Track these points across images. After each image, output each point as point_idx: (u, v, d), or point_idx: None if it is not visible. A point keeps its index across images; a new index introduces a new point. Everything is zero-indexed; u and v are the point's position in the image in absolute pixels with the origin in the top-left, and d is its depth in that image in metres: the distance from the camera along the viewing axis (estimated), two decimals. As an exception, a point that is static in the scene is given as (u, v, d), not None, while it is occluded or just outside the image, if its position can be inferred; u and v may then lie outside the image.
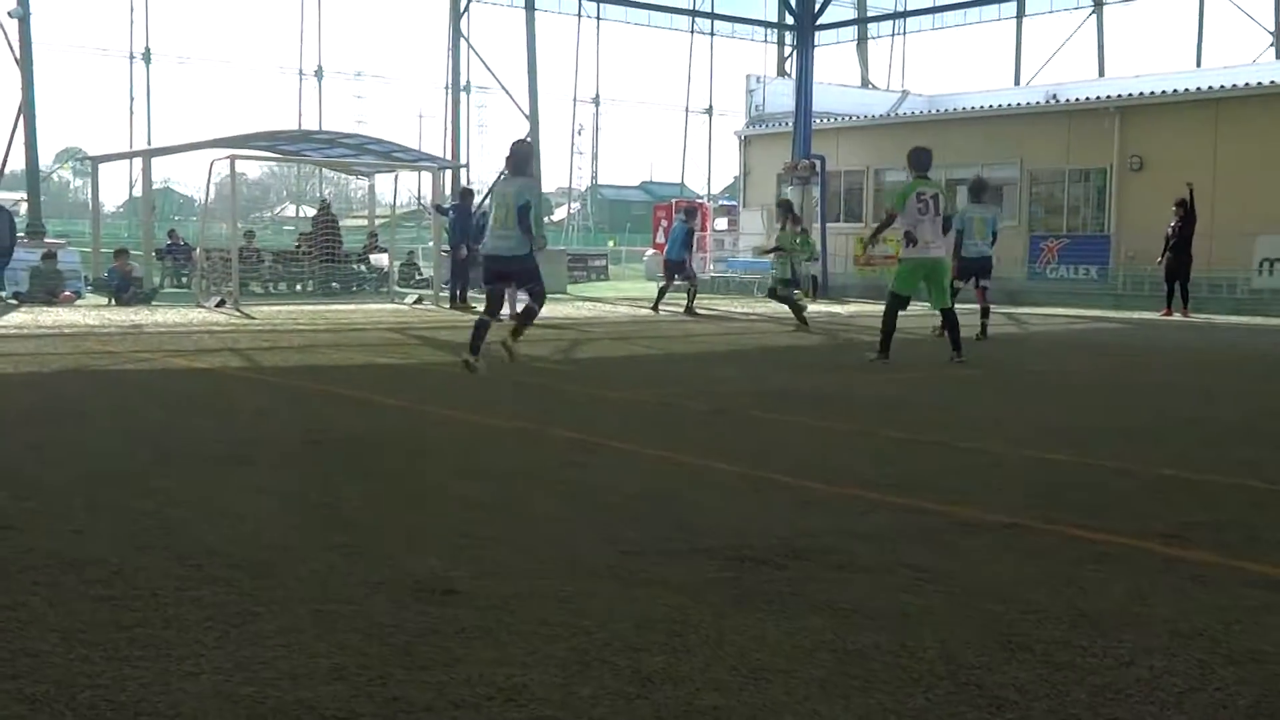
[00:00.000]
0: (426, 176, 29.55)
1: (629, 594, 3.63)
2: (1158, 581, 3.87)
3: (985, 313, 14.48)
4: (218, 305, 20.24)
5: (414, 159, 26.75)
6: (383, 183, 30.39)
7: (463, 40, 35.24)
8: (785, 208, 18.49)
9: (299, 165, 44.17)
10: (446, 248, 22.10)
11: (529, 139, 15.99)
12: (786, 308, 16.58)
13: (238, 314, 18.72)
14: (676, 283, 21.31)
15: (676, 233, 21.57)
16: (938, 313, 11.41)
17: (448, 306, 20.52)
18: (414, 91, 76.24)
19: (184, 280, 26.41)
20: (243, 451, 6.11)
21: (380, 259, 26.59)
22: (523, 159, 10.73)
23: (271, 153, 27.48)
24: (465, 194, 22.20)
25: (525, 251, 10.27)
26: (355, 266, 27.00)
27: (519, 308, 11.86)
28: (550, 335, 15.26)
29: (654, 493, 5.19)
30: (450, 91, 35.57)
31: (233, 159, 22.07)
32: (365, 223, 34.53)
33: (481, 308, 11.25)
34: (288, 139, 25.96)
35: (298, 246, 26.82)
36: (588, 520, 4.64)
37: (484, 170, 55.99)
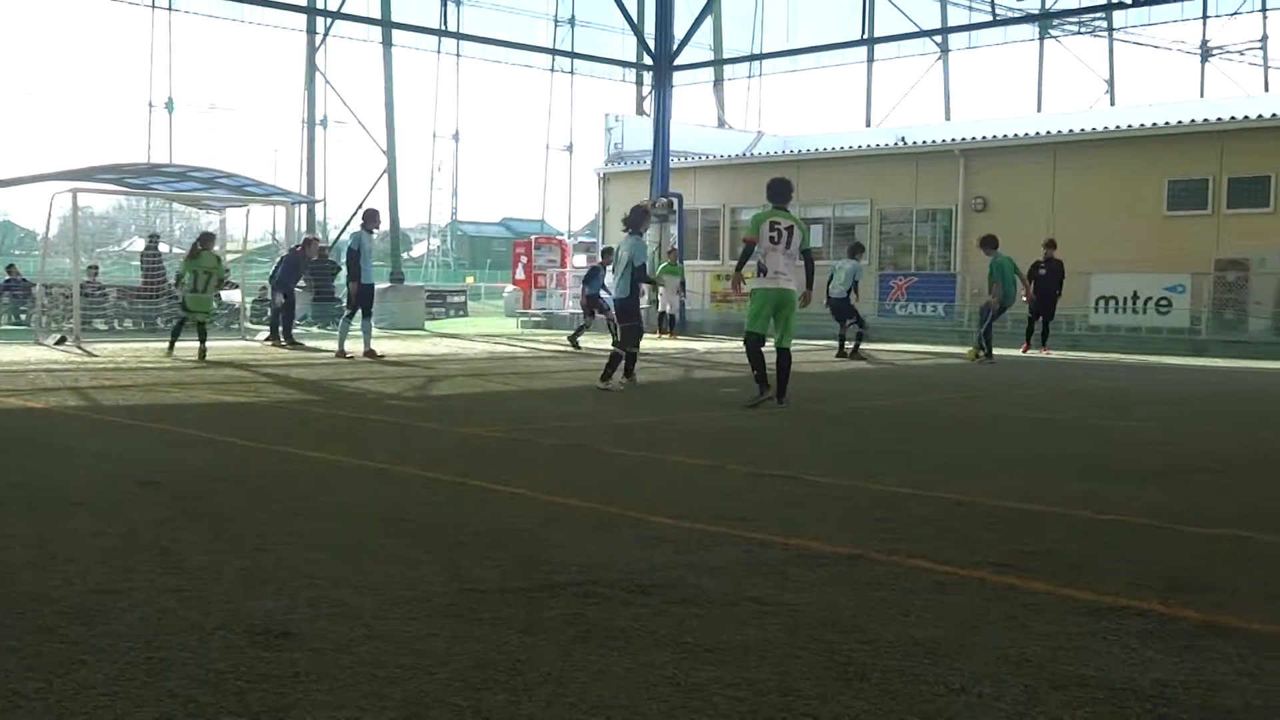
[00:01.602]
0: (281, 211, 29.04)
1: (472, 633, 3.60)
2: (990, 610, 3.99)
3: (840, 339, 19.01)
4: (58, 343, 19.55)
5: (267, 194, 26.29)
6: (235, 218, 29.75)
7: (319, 74, 34.80)
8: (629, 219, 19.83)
9: (148, 199, 43.02)
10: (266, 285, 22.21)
11: (651, 198, 17.02)
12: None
13: (79, 351, 18.10)
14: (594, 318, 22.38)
15: (597, 272, 22.79)
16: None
17: (281, 344, 20.19)
18: (269, 125, 75.13)
19: (23, 317, 25.46)
20: (76, 494, 5.89)
21: (231, 295, 26.00)
22: (635, 218, 12.92)
23: (117, 186, 26.71)
24: (307, 243, 22.46)
25: (627, 295, 12.64)
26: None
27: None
28: (405, 372, 15.10)
29: (502, 530, 5.16)
30: (306, 126, 35.08)
31: (74, 192, 21.39)
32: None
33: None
34: (134, 172, 25.27)
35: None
36: (434, 559, 4.59)
37: (341, 207, 55.29)
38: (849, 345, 19.10)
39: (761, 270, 10.71)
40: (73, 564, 4.40)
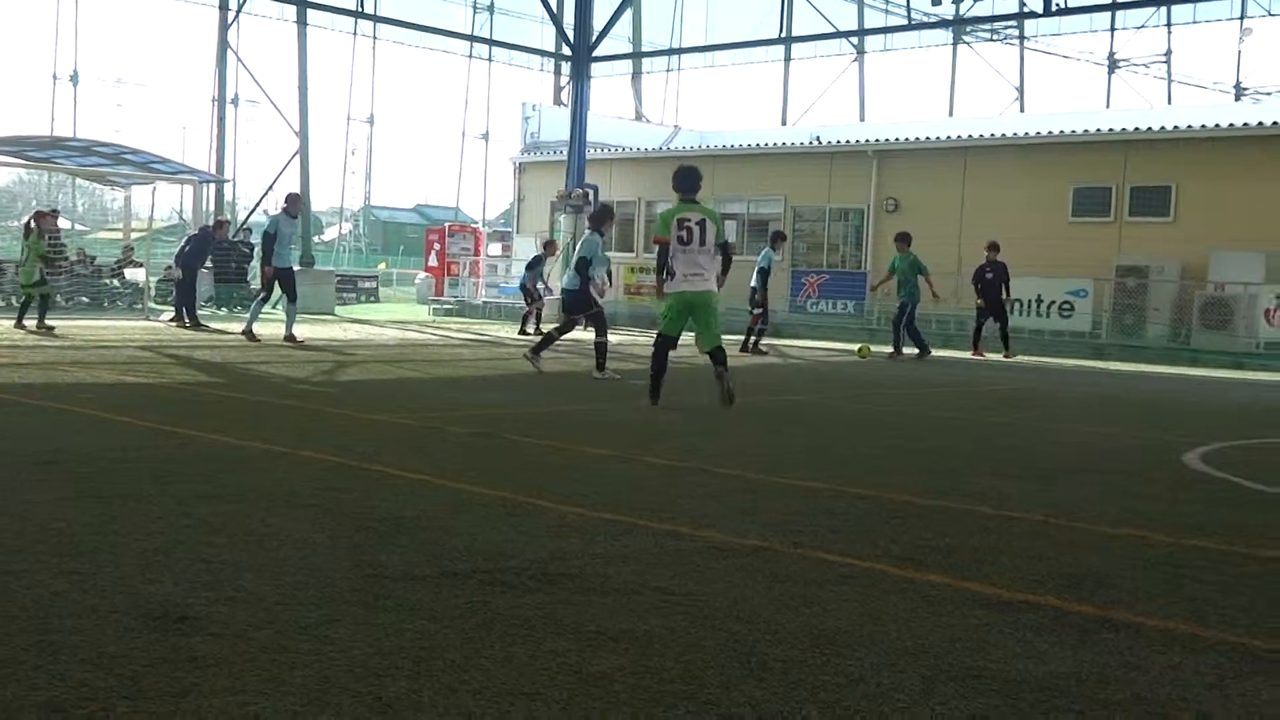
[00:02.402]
0: (189, 190, 28.48)
1: (375, 619, 3.57)
2: (891, 602, 4.05)
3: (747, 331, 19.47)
4: (-49, 318, 18.98)
5: (174, 171, 25.80)
6: (140, 195, 29.10)
7: (231, 52, 34.16)
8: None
9: (50, 174, 41.93)
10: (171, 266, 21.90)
11: (555, 194, 17.61)
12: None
13: (-26, 328, 17.60)
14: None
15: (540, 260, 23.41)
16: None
17: (185, 325, 19.86)
18: (179, 102, 73.62)
19: (-86, 292, 24.68)
20: (-32, 473, 5.73)
21: (135, 274, 25.48)
22: (598, 217, 13.70)
23: (17, 159, 26.01)
24: (219, 224, 22.24)
25: (577, 287, 13.11)
26: (109, 282, 25.79)
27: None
28: (313, 357, 14.91)
29: (409, 516, 5.12)
30: (217, 104, 34.40)
31: (-27, 164, 20.78)
32: (120, 236, 33.00)
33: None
34: (36, 145, 24.65)
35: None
36: (338, 544, 4.54)
37: (250, 186, 54.41)
38: (751, 340, 19.55)
39: (670, 273, 9.92)
40: (-38, 544, 4.28)
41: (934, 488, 6.51)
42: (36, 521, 4.71)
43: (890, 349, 19.75)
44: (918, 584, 4.31)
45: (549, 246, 24.42)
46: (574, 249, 26.73)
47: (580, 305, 13.34)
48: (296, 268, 18.35)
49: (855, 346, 20.88)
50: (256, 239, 25.76)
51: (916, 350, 19.29)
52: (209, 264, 20.74)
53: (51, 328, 17.40)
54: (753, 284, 19.42)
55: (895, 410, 11.49)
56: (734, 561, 4.56)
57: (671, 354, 10.32)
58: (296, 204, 17.99)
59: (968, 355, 20.42)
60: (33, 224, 18.69)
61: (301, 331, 19.13)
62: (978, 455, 8.23)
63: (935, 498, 6.17)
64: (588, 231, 13.63)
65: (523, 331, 22.06)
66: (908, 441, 8.96)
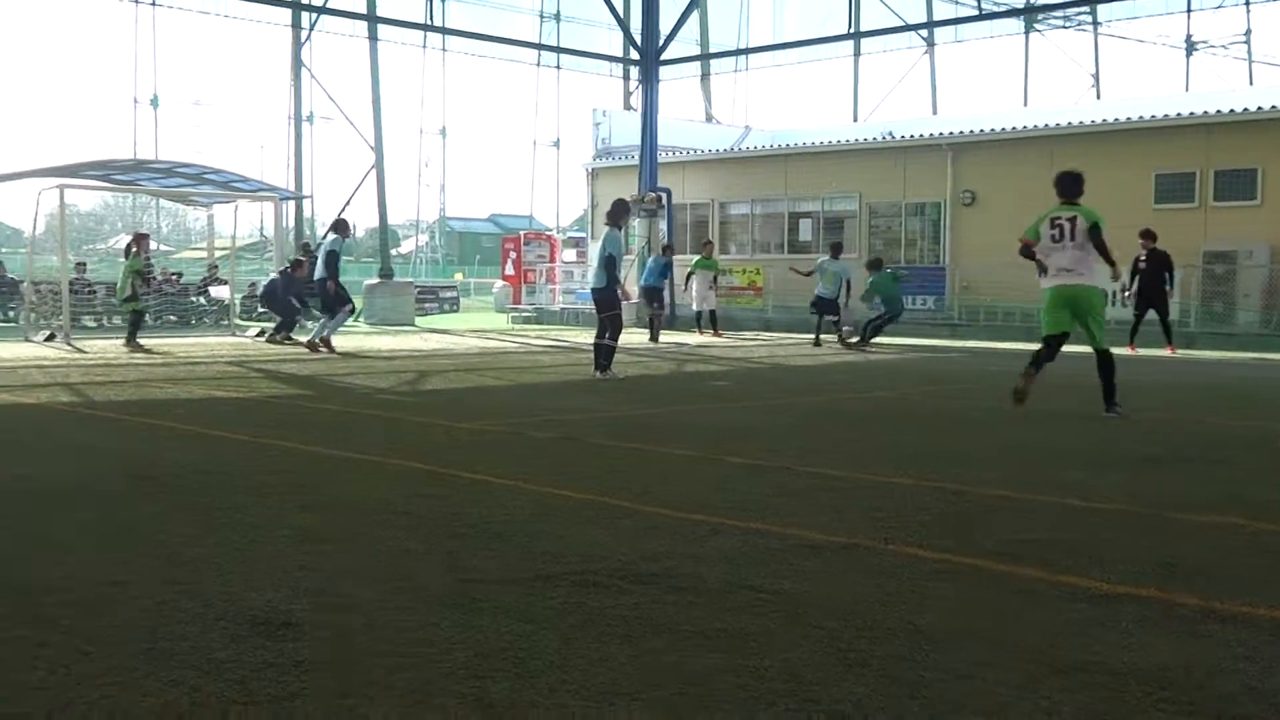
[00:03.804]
0: (269, 207, 28.97)
1: (473, 622, 3.61)
2: (988, 597, 4.01)
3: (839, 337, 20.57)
4: (47, 339, 19.49)
5: (255, 189, 26.23)
6: (223, 214, 29.65)
7: (305, 70, 34.71)
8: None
9: (134, 196, 42.85)
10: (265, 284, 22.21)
11: (627, 197, 17.78)
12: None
13: (68, 348, 18.05)
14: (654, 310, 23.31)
15: (654, 265, 23.97)
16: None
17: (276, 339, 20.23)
18: (255, 121, 74.83)
19: (11, 314, 25.38)
20: (72, 487, 5.89)
21: (220, 291, 25.97)
22: (615, 212, 13.44)
23: (104, 183, 26.63)
24: (297, 265, 22.41)
25: (604, 284, 13.20)
26: (195, 299, 26.32)
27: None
28: (396, 367, 15.09)
29: (499, 521, 5.16)
30: (293, 122, 34.96)
31: (61, 188, 21.31)
32: (204, 255, 33.65)
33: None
34: (121, 169, 25.19)
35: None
36: (432, 550, 4.60)
37: (328, 203, 55.20)
38: (851, 339, 20.46)
39: (1041, 270, 10.25)
40: (72, 556, 4.40)
41: (1023, 481, 6.43)
42: (140, 534, 4.82)
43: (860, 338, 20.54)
44: (1014, 578, 4.26)
45: (667, 250, 25.14)
46: (647, 252, 26.83)
47: (607, 303, 13.28)
48: (373, 281, 19.13)
49: (940, 342, 20.82)
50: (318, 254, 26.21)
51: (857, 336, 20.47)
52: (301, 304, 21.17)
53: (142, 346, 17.81)
54: (828, 294, 20.65)
55: (978, 405, 11.36)
56: (825, 559, 4.54)
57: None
58: (344, 227, 19.59)
59: (1126, 351, 19.87)
60: (134, 246, 19.39)
61: (377, 343, 19.47)
62: (1066, 447, 8.10)
63: (1026, 491, 6.10)
64: (607, 229, 13.44)
65: (654, 339, 22.37)
66: (994, 435, 8.86)
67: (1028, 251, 10.29)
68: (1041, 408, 10.95)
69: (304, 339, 19.61)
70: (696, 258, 25.30)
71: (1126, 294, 19.87)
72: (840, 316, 20.77)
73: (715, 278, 25.26)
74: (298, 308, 21.07)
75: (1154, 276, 19.64)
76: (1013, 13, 35.05)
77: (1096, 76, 44.89)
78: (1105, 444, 8.35)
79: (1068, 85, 56.53)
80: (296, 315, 21.02)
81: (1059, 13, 39.13)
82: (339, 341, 18.20)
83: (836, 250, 21.72)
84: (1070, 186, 10.35)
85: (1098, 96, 43.18)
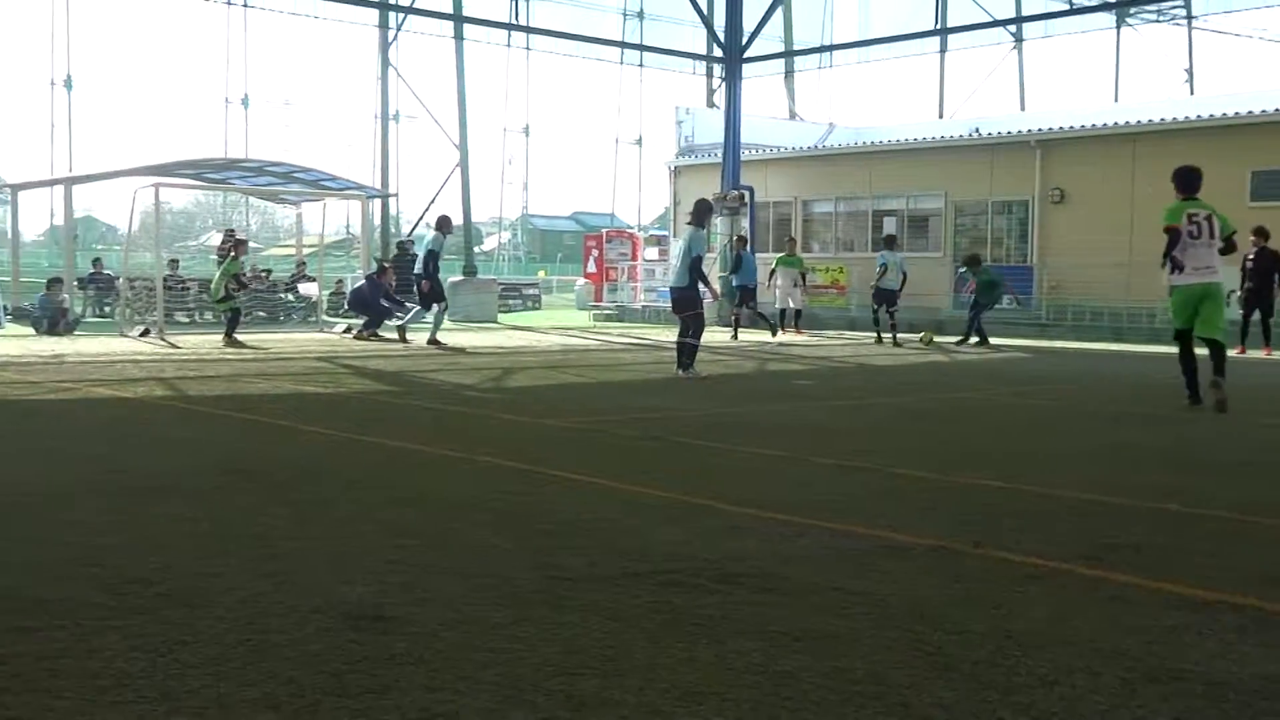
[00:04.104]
0: (356, 205, 29.37)
1: (561, 619, 3.64)
2: (1080, 602, 3.95)
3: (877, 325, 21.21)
4: (142, 335, 19.95)
5: (342, 188, 26.63)
6: (311, 212, 30.11)
7: (391, 69, 35.15)
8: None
9: (225, 194, 43.73)
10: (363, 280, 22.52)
11: (709, 196, 18.22)
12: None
13: (162, 343, 18.47)
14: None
15: (748, 262, 24.07)
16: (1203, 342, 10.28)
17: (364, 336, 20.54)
18: (343, 120, 76.11)
19: (107, 310, 26.03)
20: (168, 480, 6.03)
21: (308, 288, 26.39)
22: (699, 212, 13.38)
23: (197, 181, 27.22)
24: (383, 271, 22.96)
25: (686, 284, 13.16)
26: (283, 296, 26.79)
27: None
28: (481, 364, 15.24)
29: (584, 519, 5.19)
30: (379, 120, 35.43)
31: (157, 187, 21.81)
32: (293, 252, 34.24)
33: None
34: (213, 167, 25.74)
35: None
36: (519, 546, 4.64)
37: (414, 200, 55.85)
38: (896, 335, 20.79)
39: (1176, 266, 10.12)
40: (169, 549, 4.50)
41: (1115, 485, 6.32)
42: (235, 527, 4.93)
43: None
44: (1107, 584, 4.19)
45: (741, 241, 25.15)
46: (729, 251, 26.72)
47: (687, 303, 13.27)
48: (457, 278, 19.56)
49: (1027, 342, 20.64)
50: (418, 250, 26.63)
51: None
52: (392, 303, 21.64)
53: (240, 342, 18.21)
54: (890, 286, 20.98)
55: (1066, 406, 11.18)
56: (912, 562, 4.50)
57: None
58: (448, 224, 19.84)
59: (1234, 353, 19.42)
60: (232, 250, 19.99)
61: (461, 339, 19.74)
62: (1159, 450, 7.95)
63: (1118, 495, 5.99)
64: (691, 228, 13.32)
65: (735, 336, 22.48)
66: (1082, 437, 8.71)
67: (1174, 242, 10.12)
68: (1132, 410, 10.77)
69: (391, 335, 19.93)
70: (779, 255, 25.17)
71: (1237, 294, 19.31)
72: (897, 307, 21.08)
73: (803, 275, 25.06)
74: (387, 307, 21.39)
75: (1263, 276, 19.19)
76: (1104, 6, 34.41)
77: (1190, 71, 43.94)
78: (1199, 447, 8.17)
79: (1160, 80, 55.48)
80: (385, 315, 21.33)
81: (1152, 6, 38.37)
82: (445, 337, 18.96)
83: (890, 242, 22.07)
84: (1196, 182, 10.40)
85: (1191, 92, 42.25)
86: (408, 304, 21.04)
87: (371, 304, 21.23)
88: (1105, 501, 5.84)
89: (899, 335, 20.85)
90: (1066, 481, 6.41)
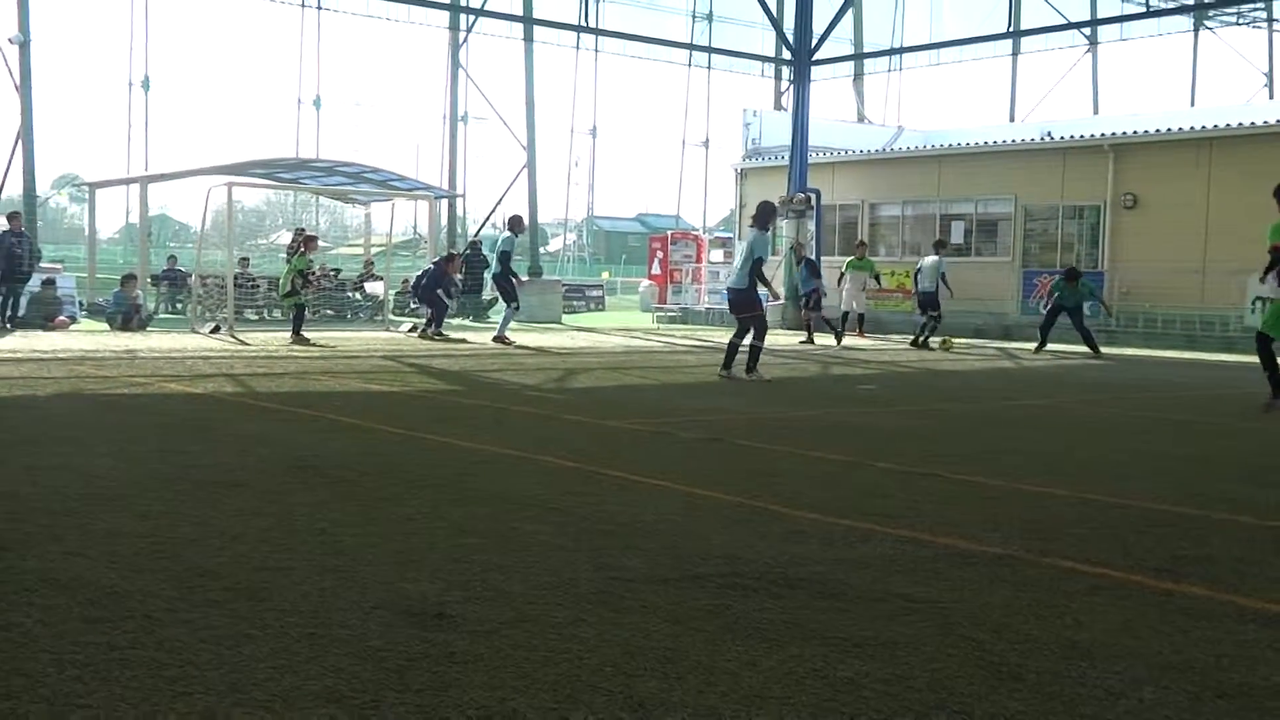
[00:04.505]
0: (424, 206, 29.62)
1: (621, 620, 3.64)
2: (1149, 615, 3.88)
3: (926, 329, 21.24)
4: (212, 331, 20.27)
5: (411, 188, 26.89)
6: (379, 211, 30.43)
7: (461, 71, 35.42)
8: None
9: (296, 193, 44.28)
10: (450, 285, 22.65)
11: (775, 198, 18.41)
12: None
13: (232, 340, 18.75)
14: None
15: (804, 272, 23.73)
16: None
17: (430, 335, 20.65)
18: (412, 121, 76.81)
19: (179, 306, 26.46)
20: (236, 475, 6.12)
21: (375, 287, 26.66)
22: (763, 215, 13.28)
23: (269, 180, 27.60)
24: (450, 259, 23.06)
25: (745, 286, 13.04)
26: (351, 294, 27.08)
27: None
28: (545, 364, 15.30)
29: (646, 520, 5.19)
30: (448, 122, 35.71)
31: (230, 186, 22.15)
32: (361, 251, 34.60)
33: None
34: (285, 167, 26.08)
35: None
36: (580, 547, 4.65)
37: (480, 201, 56.22)
38: (923, 337, 21.19)
39: None
40: (237, 542, 4.57)
41: (1187, 495, 6.21)
42: (301, 522, 4.99)
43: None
44: (1177, 596, 4.11)
45: (799, 250, 25.43)
46: (793, 256, 26.54)
47: (747, 305, 13.23)
48: (524, 278, 19.92)
49: (1056, 347, 20.49)
50: (487, 250, 26.85)
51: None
52: (447, 297, 21.84)
53: (307, 339, 18.43)
54: (927, 289, 21.33)
55: (1138, 415, 11.01)
56: (977, 570, 4.45)
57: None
58: (520, 225, 20.45)
59: None
60: (301, 246, 20.13)
61: (524, 339, 19.86)
62: (1230, 460, 7.80)
63: (1189, 506, 5.89)
64: (754, 230, 13.25)
65: (809, 340, 22.36)
66: (1154, 447, 8.57)
67: (1278, 261, 10.27)
68: (1201, 420, 10.59)
69: (455, 335, 20.10)
70: (849, 258, 24.89)
71: None
72: (937, 311, 21.21)
73: (875, 278, 24.77)
74: (446, 303, 21.55)
75: None
76: (1183, 9, 33.89)
77: (1270, 75, 43.06)
78: (1275, 458, 8.01)
79: (1239, 84, 54.41)
80: (445, 309, 21.50)
81: (1231, 8, 37.65)
82: (510, 336, 19.54)
83: (938, 246, 22.43)
84: None
85: (1270, 96, 41.42)
86: (459, 299, 21.52)
87: (429, 293, 21.31)
88: (1177, 512, 5.74)
89: (927, 339, 21.11)
90: (1137, 491, 6.31)
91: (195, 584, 3.93)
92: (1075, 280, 20.79)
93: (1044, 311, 21.37)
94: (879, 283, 25.05)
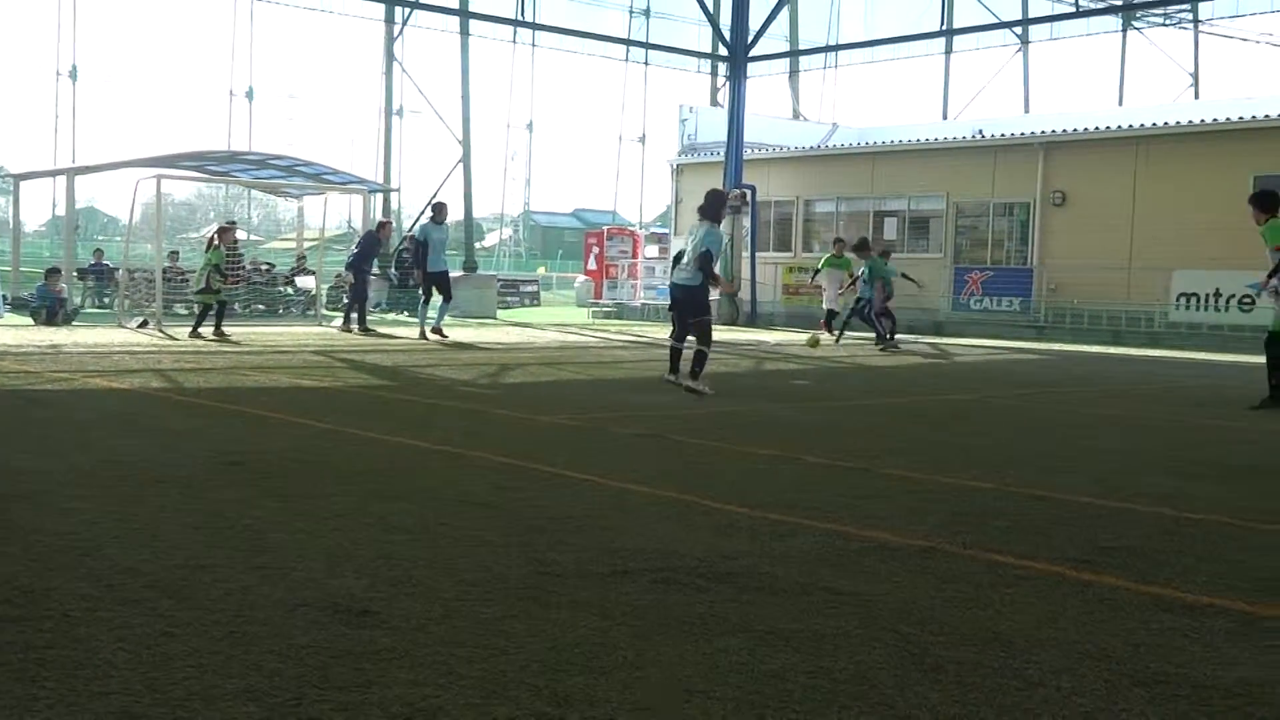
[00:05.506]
0: (358, 200, 29.36)
1: (549, 616, 3.63)
2: (1068, 605, 3.94)
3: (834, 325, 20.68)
4: (140, 326, 19.95)
5: (345, 181, 26.62)
6: (312, 205, 30.11)
7: (396, 64, 35.13)
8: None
9: (227, 186, 43.69)
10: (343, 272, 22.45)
11: (725, 189, 16.96)
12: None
13: (160, 335, 18.46)
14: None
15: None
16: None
17: (352, 330, 20.38)
18: (346, 114, 75.73)
19: (106, 301, 26.02)
20: (160, 472, 6.02)
21: (307, 282, 26.38)
22: (714, 205, 11.62)
23: (199, 173, 27.21)
24: (381, 225, 22.67)
25: (697, 284, 11.40)
26: (283, 289, 26.77)
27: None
28: (478, 359, 15.23)
29: (578, 516, 5.19)
30: (383, 115, 35.41)
31: (159, 179, 21.80)
32: (293, 245, 34.23)
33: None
34: (216, 160, 25.72)
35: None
36: (510, 543, 4.64)
37: (415, 195, 55.85)
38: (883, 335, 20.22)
39: None
40: (160, 539, 4.50)
41: (1110, 487, 6.32)
42: (226, 519, 4.92)
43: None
44: (1096, 587, 4.19)
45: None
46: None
47: (697, 307, 11.57)
48: (457, 273, 19.30)
49: (1025, 344, 20.49)
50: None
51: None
52: (376, 269, 21.44)
53: (226, 335, 18.15)
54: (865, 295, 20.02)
55: (1063, 409, 11.18)
56: (902, 562, 4.50)
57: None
58: (442, 212, 19.61)
59: None
60: (215, 239, 19.62)
61: (458, 334, 19.69)
62: (1156, 454, 7.95)
63: (1111, 498, 5.99)
64: (706, 224, 11.48)
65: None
66: (1076, 440, 8.70)
67: None
68: (1133, 415, 10.77)
69: (378, 329, 19.92)
70: (826, 255, 23.96)
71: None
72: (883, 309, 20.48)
73: (851, 277, 24.00)
74: (367, 292, 21.26)
75: None
76: (1111, 10, 34.36)
77: (1196, 76, 43.89)
78: (1203, 452, 8.17)
79: (1165, 85, 55.41)
80: (366, 298, 21.13)
81: (1159, 10, 38.30)
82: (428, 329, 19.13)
83: (859, 246, 21.35)
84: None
85: (1196, 96, 42.23)
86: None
87: (359, 272, 20.85)
88: (1100, 504, 5.84)
89: (833, 334, 20.57)
90: (1061, 484, 6.41)
91: (116, 582, 3.87)
92: (866, 251, 20.56)
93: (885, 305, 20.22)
94: (856, 282, 24.59)
